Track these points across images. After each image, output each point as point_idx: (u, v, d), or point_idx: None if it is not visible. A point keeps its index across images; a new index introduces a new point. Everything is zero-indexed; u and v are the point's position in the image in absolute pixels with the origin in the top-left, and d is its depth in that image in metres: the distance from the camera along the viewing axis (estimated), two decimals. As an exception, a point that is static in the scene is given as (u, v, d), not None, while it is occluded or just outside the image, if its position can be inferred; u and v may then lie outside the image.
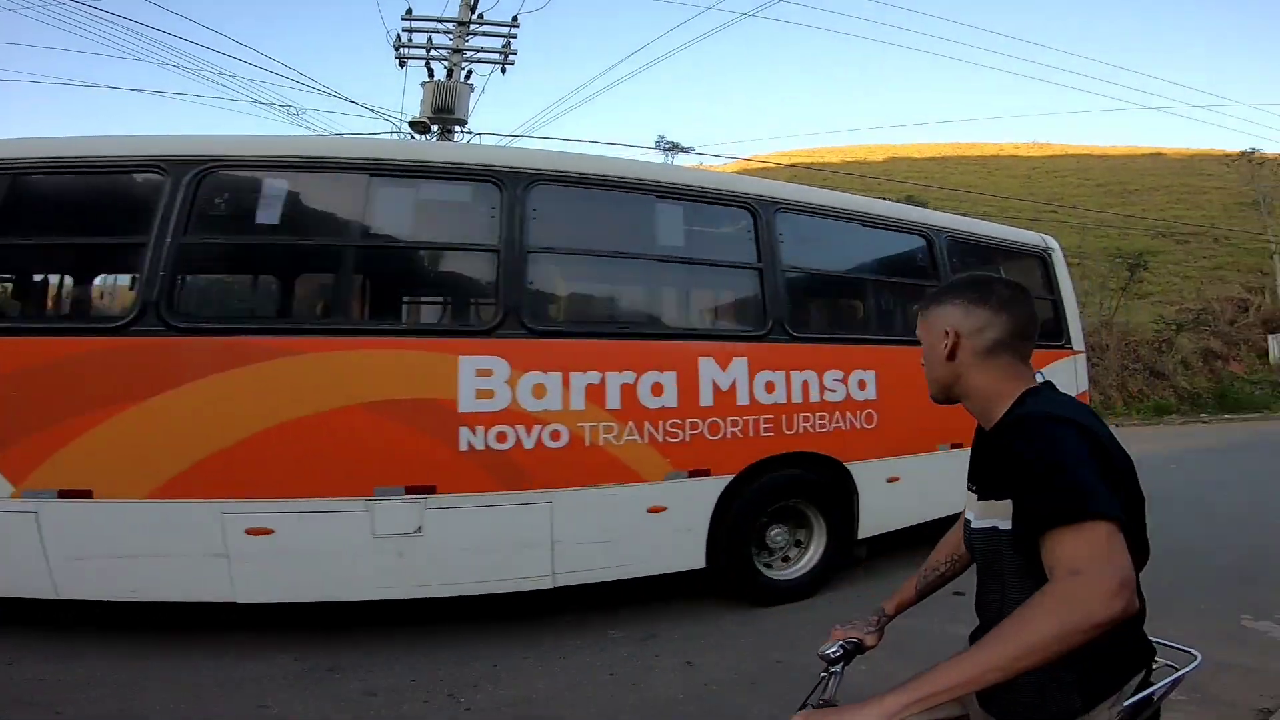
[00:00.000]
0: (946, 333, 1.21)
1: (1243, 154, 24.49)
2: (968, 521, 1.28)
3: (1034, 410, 1.12)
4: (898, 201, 23.68)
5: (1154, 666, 1.42)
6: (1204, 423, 15.51)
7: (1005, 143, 44.38)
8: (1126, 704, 1.21)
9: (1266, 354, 19.93)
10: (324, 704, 2.71)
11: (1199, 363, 18.39)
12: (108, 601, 3.00)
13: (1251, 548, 5.07)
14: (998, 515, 1.13)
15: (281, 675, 2.93)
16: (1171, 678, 1.45)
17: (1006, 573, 1.14)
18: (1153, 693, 1.39)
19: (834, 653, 1.35)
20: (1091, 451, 1.03)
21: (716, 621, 3.62)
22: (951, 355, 1.20)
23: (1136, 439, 12.34)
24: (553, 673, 3.06)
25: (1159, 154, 38.56)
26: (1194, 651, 1.52)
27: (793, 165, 29.56)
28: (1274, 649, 3.30)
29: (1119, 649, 1.19)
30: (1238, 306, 21.21)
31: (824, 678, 1.34)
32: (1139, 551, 1.13)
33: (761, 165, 30.48)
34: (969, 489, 1.28)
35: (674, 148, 34.15)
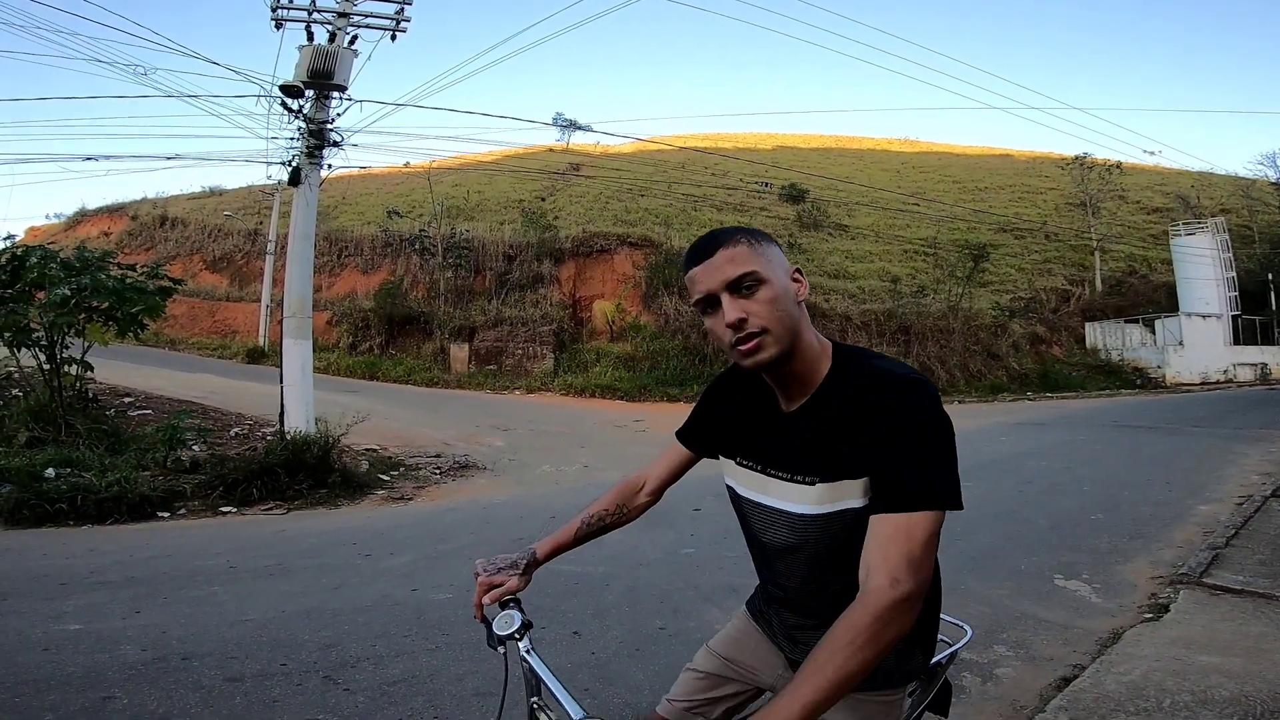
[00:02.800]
0: (796, 273, 1.08)
1: (1075, 158, 27.36)
2: (762, 507, 1.18)
3: (899, 368, 1.04)
4: (782, 188, 24.50)
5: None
6: (1030, 400, 17.62)
7: (880, 138, 47.76)
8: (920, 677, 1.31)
9: (1084, 340, 22.97)
10: (181, 694, 2.55)
11: (1027, 346, 20.84)
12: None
13: (1063, 512, 5.71)
14: (850, 496, 1.04)
15: (128, 666, 2.75)
16: (949, 650, 1.69)
17: (850, 555, 1.01)
18: (937, 662, 1.53)
19: (516, 632, 1.21)
20: (952, 429, 1.00)
21: (601, 593, 3.79)
22: (800, 297, 1.07)
23: (975, 414, 13.91)
24: (437, 650, 3.05)
25: (1008, 155, 42.87)
26: (965, 626, 1.73)
27: (687, 149, 30.07)
28: (1083, 607, 3.61)
29: (938, 609, 1.26)
30: (1061, 297, 24.18)
31: (507, 645, 1.22)
32: None
33: (658, 148, 30.80)
34: (756, 469, 1.18)
35: (571, 125, 33.81)
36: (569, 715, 1.07)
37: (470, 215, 24.55)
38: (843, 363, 1.08)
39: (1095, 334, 23.00)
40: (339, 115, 8.15)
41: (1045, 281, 24.82)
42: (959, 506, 0.97)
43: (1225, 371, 23.15)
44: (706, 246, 1.06)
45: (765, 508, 1.16)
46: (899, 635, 0.88)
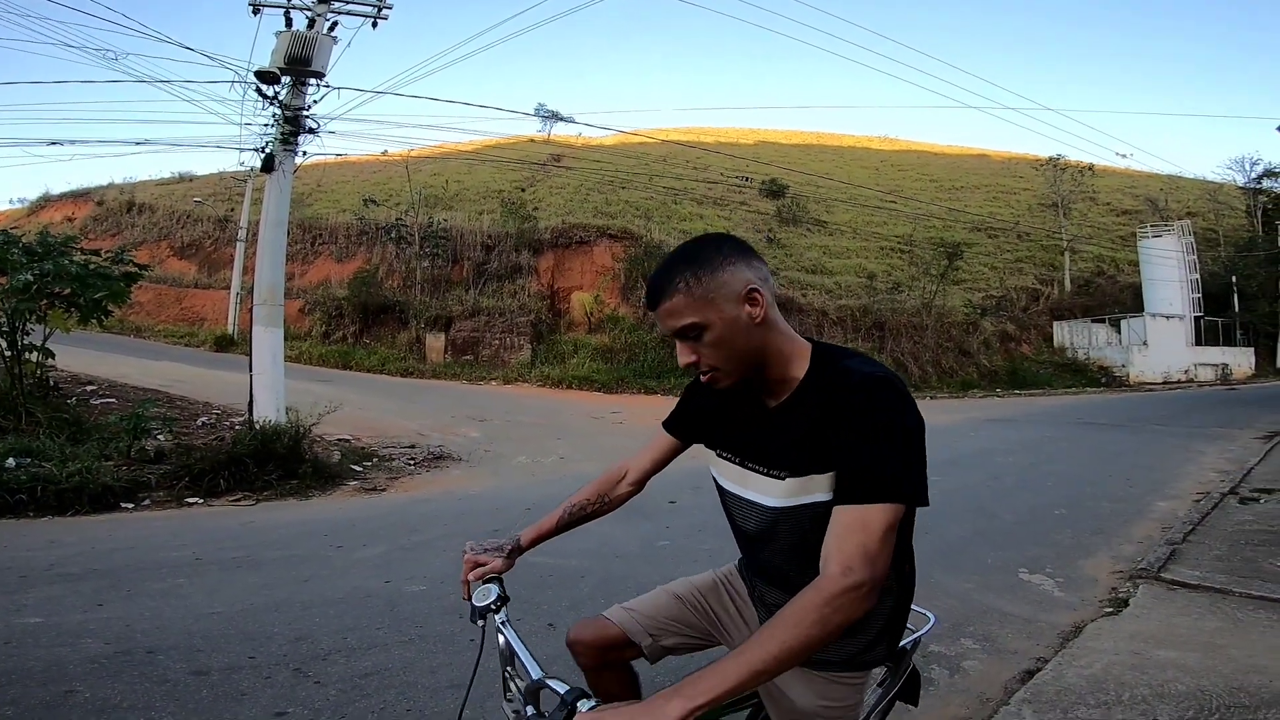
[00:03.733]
0: (751, 293, 1.08)
1: (1050, 160, 27.86)
2: (741, 499, 1.23)
3: (872, 369, 1.07)
4: (762, 183, 24.74)
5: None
6: (999, 396, 17.99)
7: (860, 135, 48.28)
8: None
9: (1052, 339, 23.50)
10: (145, 687, 2.49)
11: (997, 343, 21.29)
12: None
13: (1029, 507, 5.83)
14: (817, 490, 1.09)
15: (90, 660, 2.67)
16: (913, 637, 1.74)
17: (813, 546, 1.04)
18: (902, 647, 1.59)
19: (494, 604, 1.29)
20: (920, 428, 1.04)
21: (576, 586, 3.79)
22: (758, 318, 1.08)
23: (946, 410, 14.17)
24: (410, 642, 3.03)
25: (985, 155, 43.65)
26: (929, 614, 1.80)
27: (669, 142, 30.02)
28: (1046, 601, 3.68)
29: (908, 603, 1.32)
30: (1031, 296, 24.71)
31: (485, 618, 1.28)
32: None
33: (640, 141, 30.70)
34: (735, 462, 1.23)
35: (553, 116, 33.53)
36: (530, 676, 1.13)
37: (449, 205, 24.27)
38: (819, 362, 1.12)
39: (1063, 333, 23.53)
40: (316, 102, 7.99)
41: (1016, 280, 25.34)
42: (923, 502, 1.02)
43: (1187, 371, 23.86)
44: (651, 296, 1.11)
45: (743, 500, 1.22)
46: (846, 621, 0.92)
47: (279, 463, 6.09)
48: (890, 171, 36.74)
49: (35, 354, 6.88)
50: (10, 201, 35.30)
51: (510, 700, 1.19)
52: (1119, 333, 23.52)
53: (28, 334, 6.81)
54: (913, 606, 1.52)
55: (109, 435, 6.32)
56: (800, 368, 1.12)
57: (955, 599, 3.70)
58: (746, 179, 28.89)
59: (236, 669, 2.68)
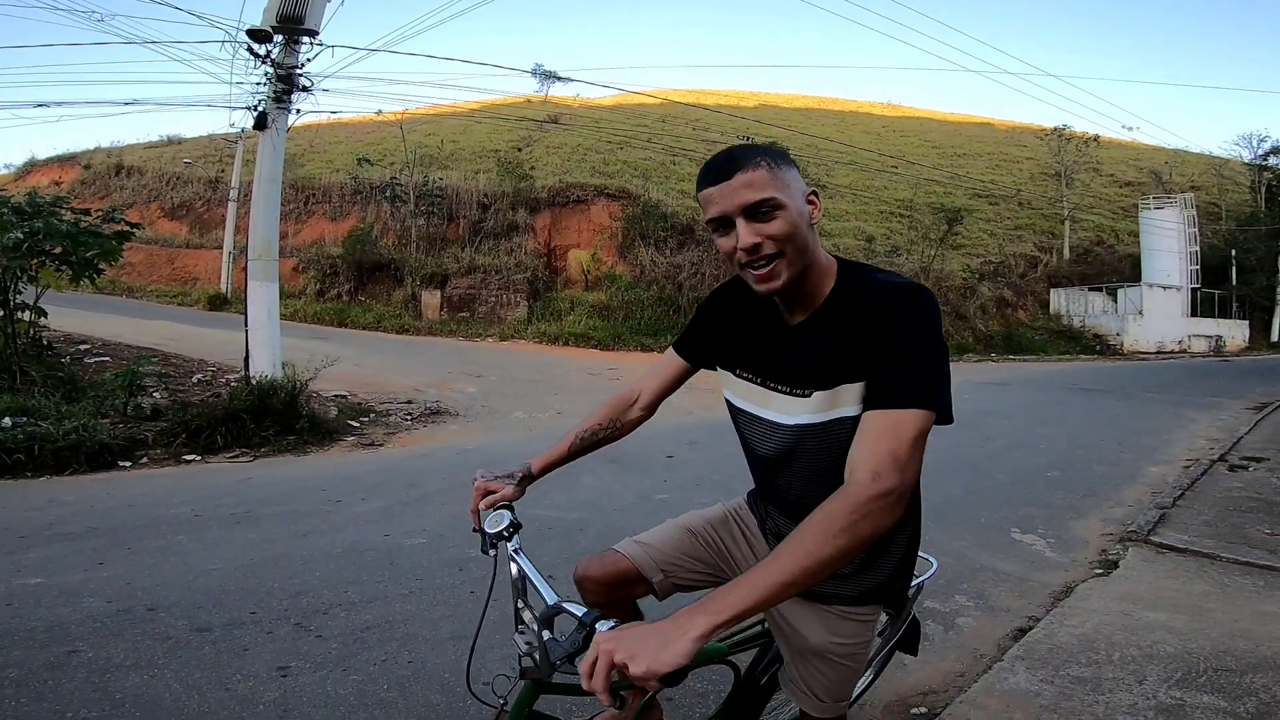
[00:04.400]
0: (812, 196, 1.09)
1: (1055, 130, 27.59)
2: (761, 419, 1.20)
3: (902, 279, 1.07)
4: (764, 144, 24.98)
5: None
6: (994, 361, 18.07)
7: (863, 100, 47.45)
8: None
9: (1048, 305, 23.53)
10: (147, 645, 2.50)
11: (994, 309, 21.35)
12: None
13: (1022, 469, 5.92)
14: (846, 403, 1.06)
15: (92, 619, 2.68)
16: (916, 581, 1.77)
17: (833, 468, 1.03)
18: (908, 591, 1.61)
19: (506, 530, 1.27)
20: (941, 333, 1.04)
21: (575, 538, 3.82)
22: (814, 221, 1.08)
23: None
24: (410, 595, 3.06)
25: (988, 124, 43.07)
26: (932, 560, 1.85)
27: (669, 102, 29.39)
28: (1038, 560, 3.75)
29: (918, 540, 1.33)
30: (1029, 263, 24.66)
31: (496, 547, 1.27)
32: None
33: (639, 102, 30.05)
34: (755, 382, 1.20)
35: (551, 77, 32.68)
36: (545, 602, 1.11)
37: (444, 164, 23.86)
38: (847, 278, 1.10)
39: (1060, 300, 23.56)
40: (309, 60, 7.72)
41: (1015, 247, 25.24)
42: (949, 419, 1.01)
43: (1181, 342, 23.97)
44: (724, 167, 1.04)
45: (763, 420, 1.19)
46: (875, 531, 0.90)
47: (276, 418, 6.08)
48: (892, 137, 36.19)
49: (28, 313, 6.81)
50: None
51: (522, 632, 1.17)
52: (1115, 302, 23.54)
53: (19, 293, 6.74)
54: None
55: (104, 393, 6.29)
56: (828, 284, 1.11)
57: (950, 556, 3.74)
58: (747, 139, 28.41)
59: (238, 625, 2.70)
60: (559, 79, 30.72)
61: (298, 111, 7.69)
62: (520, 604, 1.19)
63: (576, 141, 26.22)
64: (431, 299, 18.34)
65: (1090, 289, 23.69)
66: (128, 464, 5.22)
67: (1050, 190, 28.36)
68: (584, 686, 0.87)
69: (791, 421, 1.14)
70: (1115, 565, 3.51)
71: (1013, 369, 16.28)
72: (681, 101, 30.31)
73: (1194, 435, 7.58)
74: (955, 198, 25.78)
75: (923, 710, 2.27)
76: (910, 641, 2.10)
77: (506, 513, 1.30)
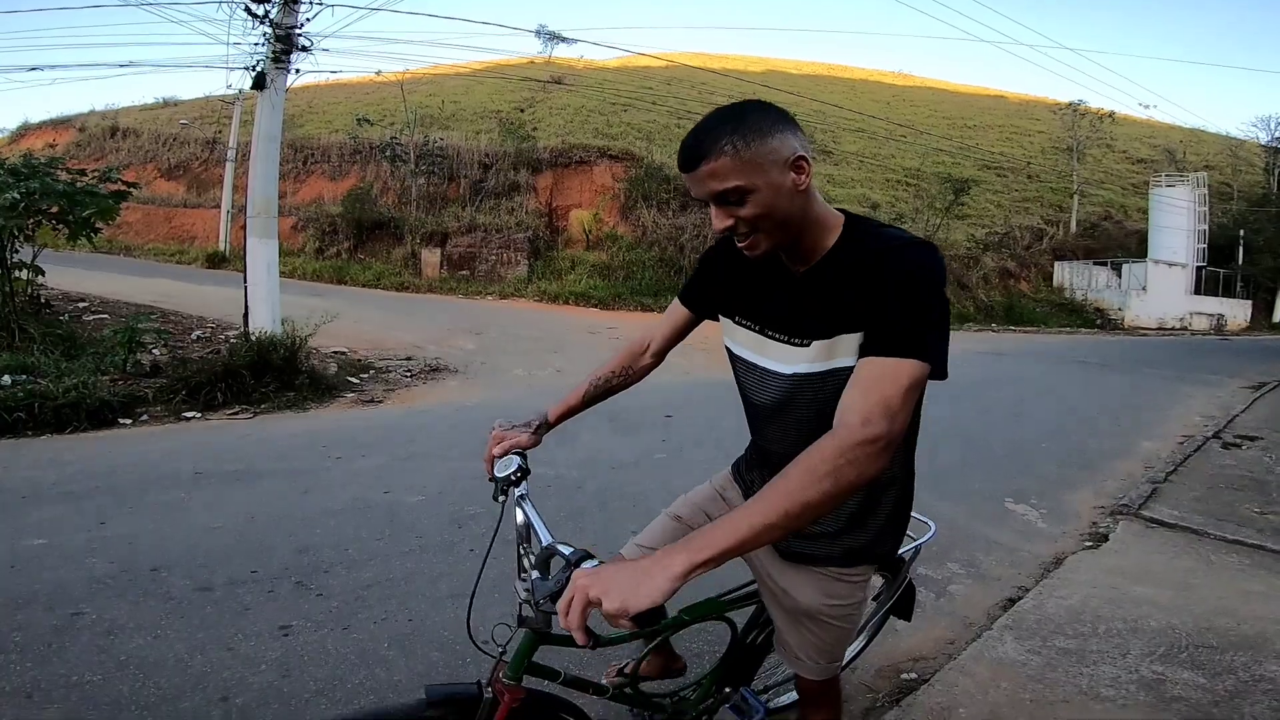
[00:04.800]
0: (799, 161, 1.04)
1: (1069, 104, 27.23)
2: (759, 368, 1.21)
3: (915, 237, 1.07)
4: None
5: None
6: (994, 331, 18.04)
7: (874, 69, 46.46)
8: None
9: (1052, 278, 23.41)
10: (150, 605, 2.52)
11: (996, 279, 21.26)
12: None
13: (1017, 439, 5.96)
14: (843, 353, 1.07)
15: (95, 580, 2.69)
16: (914, 544, 1.84)
17: (829, 420, 0.98)
18: (902, 554, 1.74)
19: (514, 475, 1.29)
20: (944, 289, 1.03)
21: (573, 496, 3.86)
22: (803, 186, 1.05)
23: None
24: (410, 553, 3.09)
25: (1001, 96, 42.35)
26: (930, 522, 1.88)
27: (674, 65, 28.70)
28: (1030, 530, 3.79)
29: (910, 500, 1.34)
30: (1035, 235, 24.44)
31: (507, 494, 1.30)
32: None
33: (644, 64, 29.36)
34: (756, 330, 1.21)
35: (554, 38, 31.79)
36: (541, 543, 1.15)
37: (445, 125, 23.49)
38: (851, 232, 1.10)
39: (1063, 273, 23.42)
40: (308, 20, 7.52)
41: (1021, 219, 25.00)
42: (943, 374, 1.01)
43: (1182, 319, 23.90)
44: (690, 155, 1.03)
45: (760, 369, 1.20)
46: (859, 478, 0.89)
47: (276, 374, 6.08)
48: (902, 106, 35.50)
49: (25, 271, 6.78)
50: None
51: (523, 578, 1.19)
52: (1119, 276, 23.41)
53: (16, 252, 6.71)
54: (914, 515, 1.56)
55: (104, 350, 6.28)
56: (830, 238, 1.10)
57: (942, 524, 3.74)
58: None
59: (240, 583, 2.73)
60: (563, 40, 29.89)
61: (297, 71, 7.54)
62: (523, 550, 1.21)
63: (580, 103, 25.72)
64: (431, 257, 18.29)
65: (1095, 263, 23.53)
66: (128, 421, 5.23)
67: (1061, 164, 27.98)
68: (561, 624, 0.86)
69: (789, 370, 1.15)
70: (1105, 538, 3.55)
71: (1013, 339, 16.26)
72: (687, 64, 29.65)
73: (1190, 411, 7.60)
74: (964, 168, 25.44)
75: (913, 676, 2.33)
76: (905, 607, 2.14)
77: (516, 458, 1.32)
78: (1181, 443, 5.91)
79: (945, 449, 5.40)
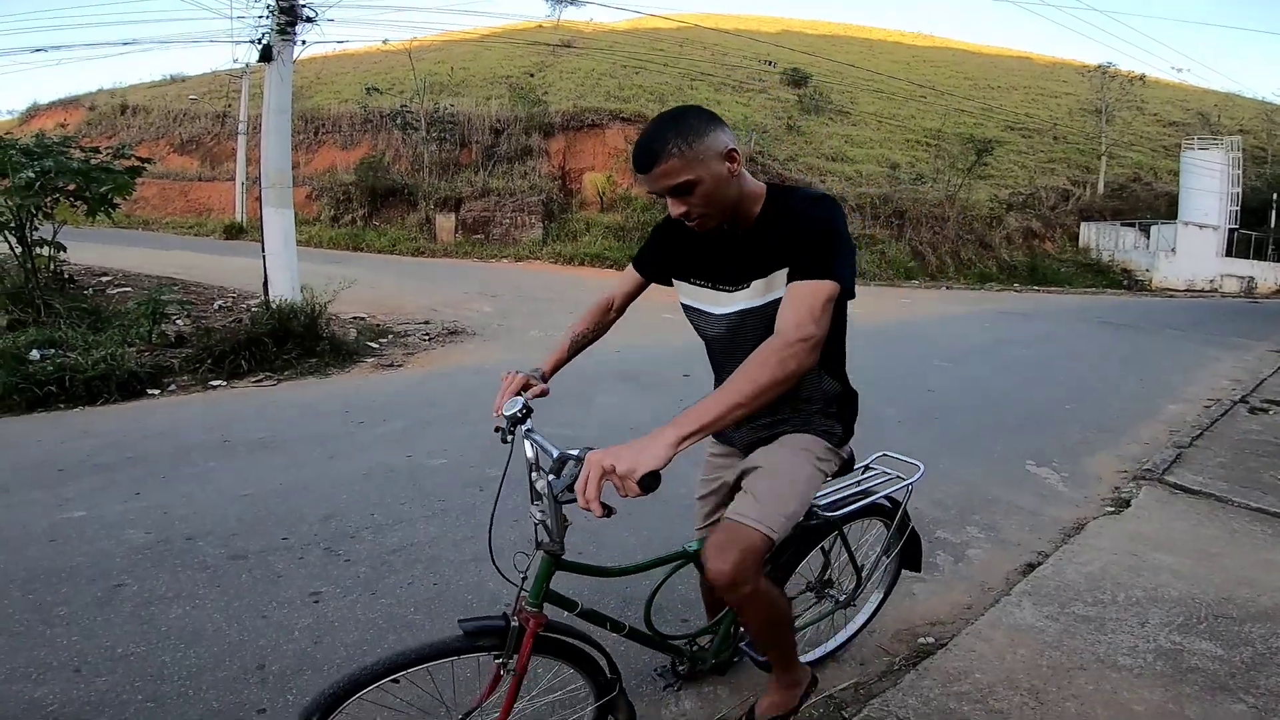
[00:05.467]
0: (730, 153, 1.31)
1: (1098, 67, 26.31)
2: (708, 314, 1.51)
3: (815, 191, 1.40)
4: (783, 71, 23.81)
5: (878, 470, 1.99)
6: (1017, 291, 17.76)
7: (893, 30, 44.99)
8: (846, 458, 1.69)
9: (1077, 238, 22.87)
10: (188, 575, 2.59)
11: (1020, 239, 20.83)
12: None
13: (1039, 401, 5.86)
14: (777, 288, 1.35)
15: (134, 551, 2.75)
16: (905, 484, 1.96)
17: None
18: (893, 494, 1.95)
19: (520, 412, 1.49)
20: (847, 230, 1.33)
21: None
22: (735, 172, 1.33)
23: (961, 301, 14.06)
24: (434, 516, 3.15)
25: (1027, 58, 40.91)
26: (918, 464, 2.01)
27: (686, 26, 27.95)
28: (1051, 495, 3.74)
29: (854, 412, 1.64)
30: (1061, 196, 23.82)
31: (514, 432, 1.47)
32: (844, 315, 1.46)
33: (655, 25, 28.60)
34: (704, 285, 1.50)
35: (563, 1, 30.91)
36: (551, 458, 1.27)
37: (455, 91, 23.22)
38: (772, 198, 1.39)
39: (1089, 233, 22.90)
40: (313, -10, 7.38)
41: (1047, 180, 24.35)
42: (852, 293, 1.30)
43: (1212, 281, 23.32)
44: (643, 161, 1.28)
45: (715, 314, 1.50)
46: (799, 367, 1.17)
47: (297, 341, 6.17)
48: (922, 67, 34.39)
49: (46, 248, 6.88)
50: None
51: (536, 504, 1.31)
52: (1148, 238, 22.84)
53: (36, 229, 6.79)
54: (899, 456, 2.04)
55: (129, 322, 6.38)
56: (759, 205, 1.39)
57: (962, 487, 3.77)
58: (770, 63, 27.15)
59: (271, 551, 2.80)
60: (572, 3, 29.12)
61: (303, 43, 7.45)
62: (533, 476, 1.33)
63: (590, 66, 25.22)
64: (446, 222, 18.36)
65: (1123, 224, 22.95)
66: (156, 392, 5.33)
67: (1089, 127, 27.10)
68: (579, 504, 1.08)
69: (735, 309, 1.44)
70: (1127, 504, 3.52)
71: (1036, 299, 15.99)
72: (700, 25, 28.85)
73: (1216, 375, 7.45)
74: (987, 129, 24.75)
75: (930, 640, 2.34)
76: (913, 558, 2.19)
77: (519, 399, 1.52)
78: (1208, 406, 5.81)
79: (963, 412, 5.36)
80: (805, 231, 1.29)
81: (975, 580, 2.79)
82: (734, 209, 1.36)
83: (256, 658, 2.13)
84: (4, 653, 2.10)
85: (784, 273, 1.32)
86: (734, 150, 1.31)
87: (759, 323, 1.39)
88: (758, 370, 1.15)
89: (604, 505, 1.08)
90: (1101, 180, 25.12)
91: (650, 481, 1.07)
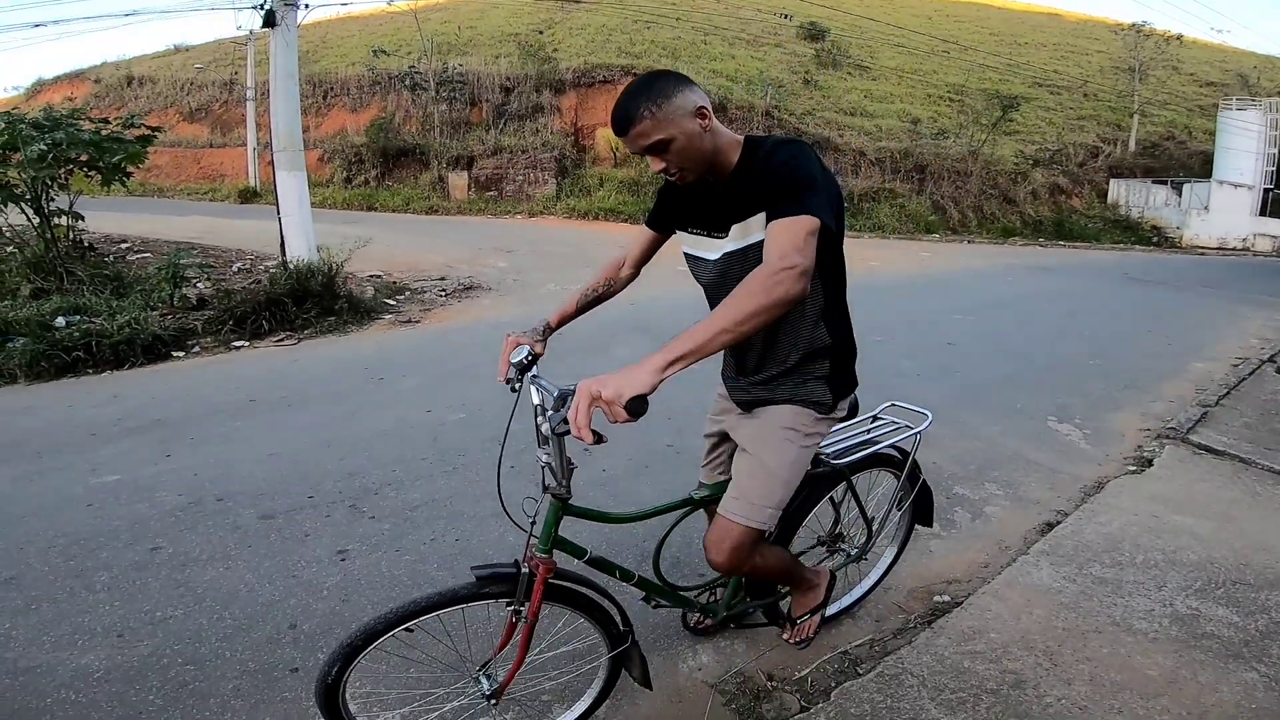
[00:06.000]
0: (700, 110, 1.38)
1: (1132, 25, 25.22)
2: (701, 259, 1.58)
3: (787, 138, 1.44)
4: (801, 25, 22.89)
5: (887, 420, 1.99)
6: (1041, 246, 17.32)
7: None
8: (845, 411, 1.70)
9: (1106, 195, 22.23)
10: (220, 536, 2.65)
11: (1046, 194, 20.27)
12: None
13: (1062, 355, 5.77)
14: (756, 231, 1.41)
15: (168, 514, 2.82)
16: (913, 432, 1.96)
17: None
18: (901, 444, 1.97)
19: (525, 359, 1.60)
20: (822, 170, 1.36)
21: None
22: (707, 127, 1.39)
23: (983, 255, 13.77)
24: (454, 471, 3.21)
25: (1056, 15, 39.24)
26: (926, 412, 2.02)
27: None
28: (1072, 452, 3.69)
29: (849, 367, 1.64)
30: (1090, 152, 23.06)
31: (523, 379, 1.58)
32: (838, 256, 1.53)
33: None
34: (698, 233, 1.57)
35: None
36: (552, 396, 1.32)
37: (463, 50, 22.73)
38: (748, 148, 1.45)
39: (1119, 190, 22.26)
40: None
41: (1076, 137, 23.54)
42: (831, 227, 1.32)
43: (1245, 240, 22.62)
44: (620, 124, 1.37)
45: (706, 260, 1.57)
46: (785, 295, 1.18)
47: (315, 300, 6.25)
48: (945, 22, 32.98)
49: (64, 218, 6.97)
50: (4, 90, 33.95)
51: (543, 448, 1.36)
52: (1180, 196, 22.16)
53: (52, 200, 6.86)
54: (906, 405, 2.06)
55: (150, 287, 6.46)
56: (736, 155, 1.45)
57: (981, 442, 3.75)
58: (786, 16, 26.23)
59: (299, 509, 2.86)
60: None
61: (306, 6, 7.37)
62: (538, 421, 1.37)
63: (600, 22, 24.51)
64: (459, 180, 18.33)
65: (1154, 181, 22.25)
66: (180, 354, 5.41)
67: (1121, 84, 26.04)
68: (572, 432, 1.12)
69: (721, 253, 1.51)
70: (1150, 463, 3.48)
71: (1062, 254, 15.60)
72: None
73: (1245, 334, 7.26)
74: (1013, 86, 23.87)
75: (945, 598, 2.36)
76: (925, 512, 2.20)
77: (525, 347, 1.62)
78: (1235, 365, 5.68)
79: (984, 365, 5.29)
80: (775, 173, 1.34)
81: (993, 538, 2.79)
82: (710, 162, 1.43)
83: (288, 617, 2.19)
84: (50, 621, 2.16)
85: (761, 217, 1.37)
86: (704, 108, 1.38)
87: (744, 266, 1.44)
88: (743, 297, 1.17)
89: (595, 433, 1.12)
90: (1133, 138, 24.27)
91: (637, 406, 1.09)
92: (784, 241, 1.24)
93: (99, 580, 2.38)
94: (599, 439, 1.13)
